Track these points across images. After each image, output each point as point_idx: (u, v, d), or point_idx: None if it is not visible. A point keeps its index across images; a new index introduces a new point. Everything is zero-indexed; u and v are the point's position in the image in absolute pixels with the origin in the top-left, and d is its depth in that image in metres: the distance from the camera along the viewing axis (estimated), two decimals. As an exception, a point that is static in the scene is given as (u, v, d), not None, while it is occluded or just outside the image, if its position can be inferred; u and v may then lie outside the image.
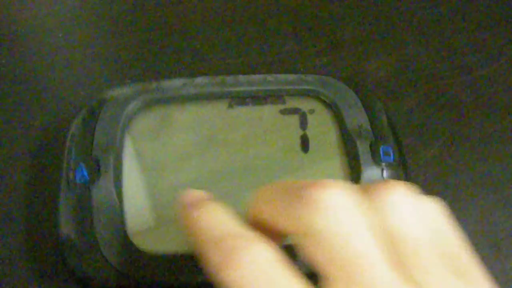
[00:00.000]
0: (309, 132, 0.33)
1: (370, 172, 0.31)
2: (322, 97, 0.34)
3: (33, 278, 0.32)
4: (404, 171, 0.32)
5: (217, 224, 0.22)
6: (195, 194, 0.25)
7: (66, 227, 0.29)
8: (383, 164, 0.31)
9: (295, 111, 0.34)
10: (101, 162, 0.30)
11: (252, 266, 0.20)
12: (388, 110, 0.36)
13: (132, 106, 0.32)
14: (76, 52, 0.43)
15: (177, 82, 0.33)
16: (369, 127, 0.33)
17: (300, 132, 0.33)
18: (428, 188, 0.35)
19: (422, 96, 0.41)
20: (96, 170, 0.30)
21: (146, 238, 0.29)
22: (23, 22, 0.45)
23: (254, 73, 0.39)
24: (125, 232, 0.28)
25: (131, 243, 0.28)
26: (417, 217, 0.22)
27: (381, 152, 0.32)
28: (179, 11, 0.46)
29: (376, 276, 0.20)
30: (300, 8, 0.47)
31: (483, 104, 0.41)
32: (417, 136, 0.39)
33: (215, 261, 0.21)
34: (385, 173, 0.31)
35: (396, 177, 0.31)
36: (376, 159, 0.31)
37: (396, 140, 0.33)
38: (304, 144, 0.33)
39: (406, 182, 0.23)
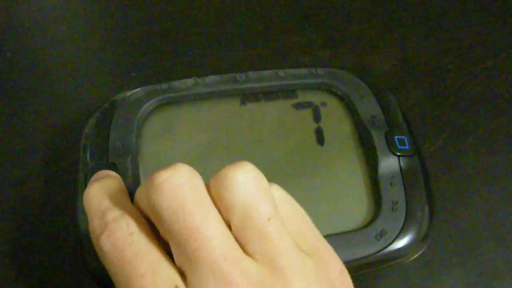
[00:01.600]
0: (323, 125, 0.33)
1: (387, 161, 0.31)
2: (334, 90, 0.34)
3: (51, 274, 0.32)
4: (420, 159, 0.32)
5: (104, 198, 0.25)
6: (101, 172, 0.29)
7: (87, 232, 0.29)
8: (399, 152, 0.31)
9: (307, 105, 0.34)
10: (118, 167, 0.30)
11: (121, 234, 0.22)
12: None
13: (144, 109, 0.32)
14: (80, 44, 0.44)
15: (187, 82, 0.33)
16: (382, 117, 0.33)
17: (314, 126, 0.33)
18: (433, 181, 0.35)
19: (427, 89, 0.41)
20: (113, 175, 0.30)
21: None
22: (29, 15, 0.45)
23: (259, 66, 0.39)
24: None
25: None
26: (260, 194, 0.22)
27: (396, 141, 0.32)
28: (184, 5, 0.46)
29: (211, 252, 0.21)
30: (305, 1, 0.47)
31: (489, 96, 0.41)
32: (422, 129, 0.39)
33: (94, 229, 0.23)
34: (402, 162, 0.31)
35: (413, 165, 0.31)
36: (392, 148, 0.31)
37: (409, 128, 0.33)
38: (319, 137, 0.33)
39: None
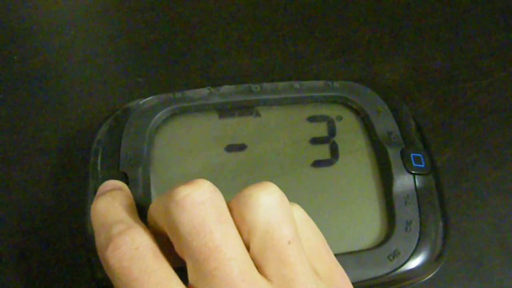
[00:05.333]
0: (338, 140, 0.32)
1: (402, 179, 0.30)
2: (350, 104, 0.33)
3: (57, 282, 0.32)
4: (436, 178, 0.31)
5: (110, 212, 0.24)
6: (110, 183, 0.28)
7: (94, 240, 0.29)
8: (415, 171, 0.31)
9: (322, 118, 0.33)
10: (128, 177, 0.30)
11: (126, 249, 0.22)
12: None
13: (157, 118, 0.32)
14: (90, 49, 0.43)
15: (202, 92, 0.33)
16: (398, 133, 0.32)
17: (329, 140, 0.33)
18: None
19: (437, 100, 0.41)
20: (124, 185, 0.30)
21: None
22: (38, 19, 0.45)
23: (268, 74, 0.39)
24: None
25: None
26: (283, 216, 0.22)
27: (412, 159, 0.31)
28: (194, 12, 0.46)
29: (229, 272, 0.21)
30: (314, 10, 0.46)
31: (499, 108, 0.41)
32: (431, 140, 0.38)
33: (100, 243, 0.23)
34: (417, 181, 0.31)
35: (428, 184, 0.31)
36: (407, 166, 0.31)
37: (426, 146, 0.32)
38: (334, 152, 0.32)
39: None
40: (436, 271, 0.30)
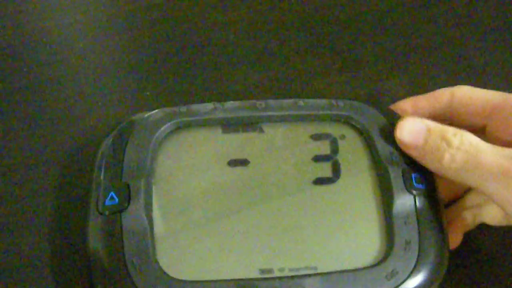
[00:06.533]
0: (340, 158, 0.33)
1: (402, 199, 0.30)
2: (353, 123, 0.34)
3: None
4: (436, 199, 0.31)
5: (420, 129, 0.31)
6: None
7: (96, 251, 0.29)
8: (416, 191, 0.31)
9: (325, 136, 0.33)
10: (131, 188, 0.30)
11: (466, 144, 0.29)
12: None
13: (161, 131, 0.32)
14: (97, 61, 0.44)
15: (206, 106, 0.33)
16: (400, 153, 0.32)
17: (331, 158, 0.33)
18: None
19: None
20: (126, 196, 0.30)
21: (176, 264, 0.29)
22: (46, 31, 0.46)
23: (275, 89, 0.39)
24: (155, 258, 0.28)
25: (161, 269, 0.28)
26: None
27: (413, 179, 0.31)
28: (202, 27, 0.47)
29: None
30: (320, 26, 0.47)
31: None
32: None
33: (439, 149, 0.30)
34: (417, 201, 0.31)
35: (429, 205, 0.31)
36: (408, 186, 0.31)
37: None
38: (335, 170, 0.32)
39: None
40: None
